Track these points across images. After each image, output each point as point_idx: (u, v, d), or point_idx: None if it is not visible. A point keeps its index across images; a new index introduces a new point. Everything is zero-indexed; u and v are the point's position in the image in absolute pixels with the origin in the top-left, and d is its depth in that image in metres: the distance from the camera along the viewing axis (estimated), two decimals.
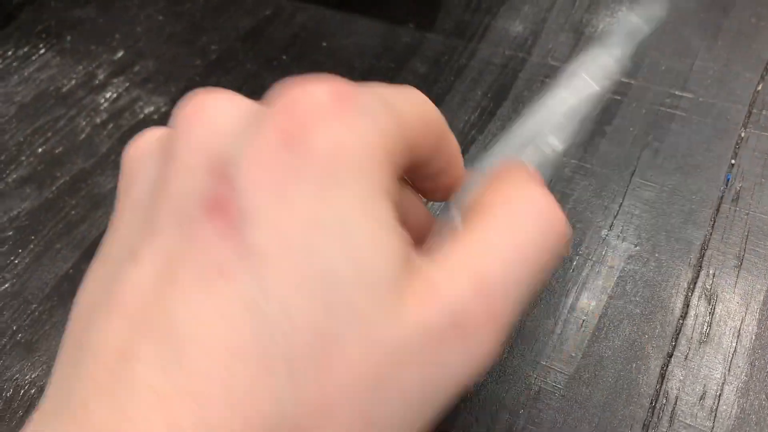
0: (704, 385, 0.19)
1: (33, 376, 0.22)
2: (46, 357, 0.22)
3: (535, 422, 0.19)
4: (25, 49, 0.34)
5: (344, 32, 0.31)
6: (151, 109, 0.30)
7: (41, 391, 0.22)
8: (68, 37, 0.34)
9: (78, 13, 0.35)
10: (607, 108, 0.26)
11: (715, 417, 0.18)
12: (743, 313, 0.20)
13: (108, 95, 0.31)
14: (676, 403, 0.19)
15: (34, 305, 0.24)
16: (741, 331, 0.20)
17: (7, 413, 0.21)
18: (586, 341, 0.20)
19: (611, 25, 0.29)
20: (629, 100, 0.26)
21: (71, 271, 0.25)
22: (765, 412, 0.18)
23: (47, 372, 0.22)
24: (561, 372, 0.20)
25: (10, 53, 0.33)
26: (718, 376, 0.19)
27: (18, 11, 0.36)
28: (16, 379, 0.22)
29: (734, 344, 0.20)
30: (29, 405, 0.21)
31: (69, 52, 0.33)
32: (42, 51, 0.33)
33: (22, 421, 0.21)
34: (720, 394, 0.19)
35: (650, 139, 0.25)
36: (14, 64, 0.33)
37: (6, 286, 0.24)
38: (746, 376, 0.19)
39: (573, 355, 0.20)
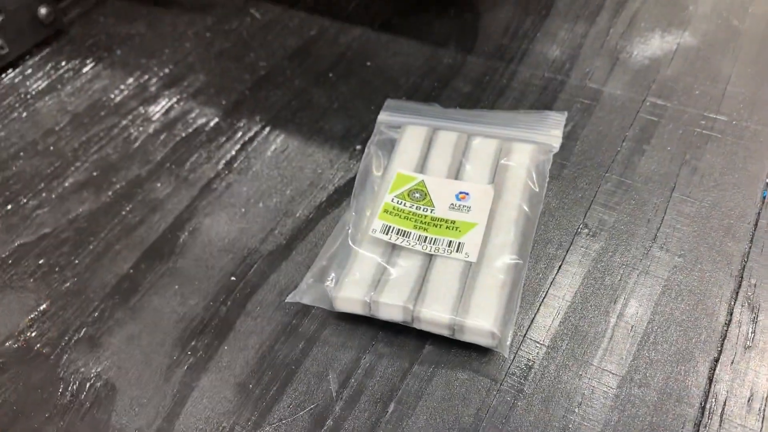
0: (751, 389, 0.20)
1: (98, 369, 0.23)
2: (110, 353, 0.23)
3: (590, 419, 0.20)
4: (77, 62, 0.35)
5: (388, 52, 0.33)
6: (203, 120, 0.31)
7: (106, 383, 0.22)
8: (118, 51, 0.35)
9: (127, 29, 0.37)
10: (645, 128, 0.27)
11: (763, 418, 0.19)
12: None
13: (160, 106, 0.32)
14: (725, 405, 0.20)
15: (96, 303, 0.25)
16: None
17: (74, 404, 0.22)
18: (636, 345, 0.21)
19: (649, 48, 0.31)
20: (665, 121, 0.28)
21: (131, 271, 0.25)
22: None
23: (111, 366, 0.23)
24: (613, 373, 0.21)
25: (62, 65, 0.35)
26: (765, 380, 0.20)
27: (69, 26, 0.37)
28: (82, 372, 0.23)
29: None
30: (95, 397, 0.22)
31: (119, 65, 0.34)
32: (93, 64, 0.35)
33: (89, 412, 0.22)
34: (767, 397, 0.20)
35: (688, 158, 0.26)
36: (66, 75, 0.34)
37: (68, 284, 0.25)
38: None
39: (624, 357, 0.21)
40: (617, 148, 0.27)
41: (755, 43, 0.31)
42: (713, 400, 0.20)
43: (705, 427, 0.19)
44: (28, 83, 0.34)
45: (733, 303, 0.22)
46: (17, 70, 0.35)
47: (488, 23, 0.33)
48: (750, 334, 0.21)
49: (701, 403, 0.20)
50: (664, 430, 0.19)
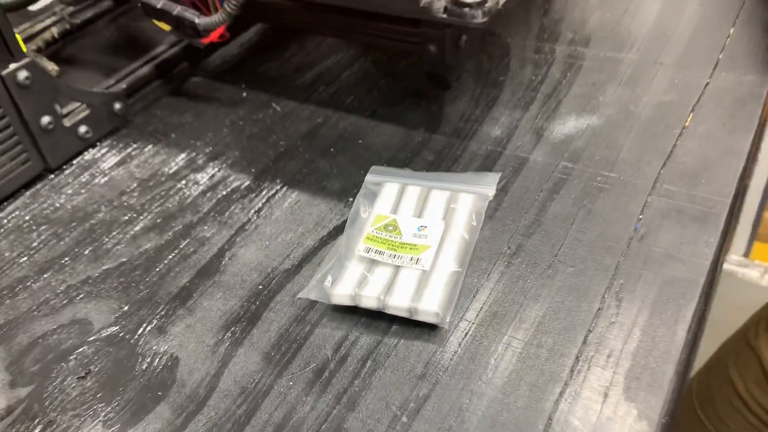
0: (610, 348, 0.29)
1: (165, 347, 0.32)
2: (173, 337, 0.33)
3: (502, 368, 0.29)
4: (141, 143, 0.46)
5: (375, 134, 0.44)
6: (238, 183, 0.42)
7: (171, 356, 0.32)
8: (172, 135, 0.47)
9: (179, 119, 0.48)
10: (557, 183, 0.38)
11: (615, 365, 0.29)
12: (638, 307, 0.31)
13: (206, 174, 0.43)
14: (592, 357, 0.29)
15: (162, 305, 0.35)
16: (637, 318, 0.30)
17: (149, 369, 0.32)
18: (536, 323, 0.31)
19: (565, 128, 0.42)
20: (572, 178, 0.38)
21: (187, 284, 0.36)
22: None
23: (174, 345, 0.32)
24: (519, 339, 0.30)
25: (130, 145, 0.46)
26: (620, 343, 0.30)
27: (135, 117, 0.49)
28: (154, 349, 0.32)
29: (634, 317, 0.30)
30: (164, 365, 0.32)
31: (174, 145, 0.46)
32: (153, 145, 0.46)
33: (160, 374, 0.31)
34: (619, 354, 0.29)
35: (585, 203, 0.37)
36: (134, 153, 0.46)
37: (141, 294, 0.35)
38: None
39: (527, 330, 0.31)
40: (535, 197, 0.37)
41: (645, 122, 0.42)
42: (585, 355, 0.29)
43: (577, 371, 0.29)
44: (105, 158, 0.45)
45: (605, 295, 0.32)
46: (96, 149, 0.46)
47: (449, 112, 0.45)
48: (614, 316, 0.31)
49: (576, 356, 0.29)
50: (550, 373, 0.29)
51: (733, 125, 0.40)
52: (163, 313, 0.34)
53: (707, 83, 0.44)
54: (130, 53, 0.53)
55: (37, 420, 0.30)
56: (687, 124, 0.41)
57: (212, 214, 0.40)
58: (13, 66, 0.40)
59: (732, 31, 0.48)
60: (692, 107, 0.42)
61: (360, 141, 0.44)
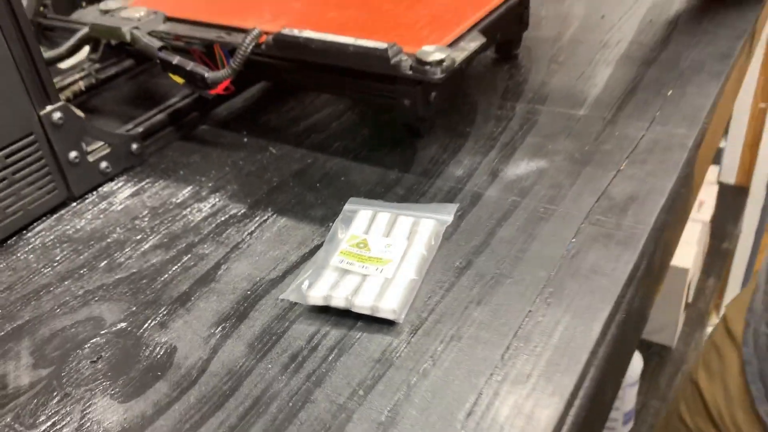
0: (537, 338, 0.35)
1: (165, 339, 0.38)
2: (173, 330, 0.39)
3: (444, 355, 0.35)
4: (153, 178, 0.53)
5: (356, 173, 0.51)
6: (235, 211, 0.49)
7: (171, 345, 0.38)
8: (181, 172, 0.54)
9: (187, 159, 0.56)
10: (506, 213, 0.45)
11: (547, 348, 0.34)
12: (563, 310, 0.37)
13: (208, 203, 0.50)
14: (526, 342, 0.35)
15: (164, 307, 0.41)
16: (561, 318, 0.36)
17: (152, 355, 0.37)
18: (468, 319, 0.37)
19: (518, 170, 0.49)
20: (519, 210, 0.45)
21: (187, 290, 0.42)
22: None
23: (174, 337, 0.38)
24: (454, 332, 0.36)
25: (144, 180, 0.53)
26: (546, 337, 0.35)
27: (149, 157, 0.56)
28: (156, 340, 0.38)
29: (559, 318, 0.36)
30: (164, 351, 0.37)
31: (182, 180, 0.53)
32: (163, 180, 0.53)
33: (160, 359, 0.37)
34: (545, 340, 0.35)
35: (529, 230, 0.43)
36: (146, 186, 0.53)
37: (148, 297, 0.42)
38: None
39: (460, 323, 0.36)
40: (486, 224, 0.44)
41: (586, 167, 0.48)
42: (515, 345, 0.35)
43: (507, 357, 0.34)
44: (121, 191, 0.52)
45: (536, 300, 0.38)
46: (114, 182, 0.53)
47: (420, 156, 0.52)
48: (542, 317, 0.37)
49: (507, 346, 0.35)
50: (485, 359, 0.34)
51: (661, 169, 0.47)
52: (165, 312, 0.40)
53: (643, 135, 0.51)
54: (146, 104, 0.60)
55: (55, 393, 0.36)
56: (621, 167, 0.48)
57: (211, 235, 0.46)
58: (49, 108, 0.48)
59: (670, 92, 0.56)
60: (628, 154, 0.49)
61: (342, 178, 0.51)
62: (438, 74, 0.43)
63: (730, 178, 1.86)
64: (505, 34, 0.63)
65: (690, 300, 1.43)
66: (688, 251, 1.29)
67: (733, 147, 1.83)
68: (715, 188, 1.51)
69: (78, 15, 0.62)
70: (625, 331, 0.39)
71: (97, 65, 0.66)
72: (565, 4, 0.75)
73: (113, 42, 0.64)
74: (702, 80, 0.57)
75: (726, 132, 1.86)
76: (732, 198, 1.68)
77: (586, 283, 0.39)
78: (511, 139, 0.53)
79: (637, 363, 1.15)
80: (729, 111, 0.73)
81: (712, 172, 1.57)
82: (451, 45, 0.46)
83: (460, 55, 0.45)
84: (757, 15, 0.68)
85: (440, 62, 0.43)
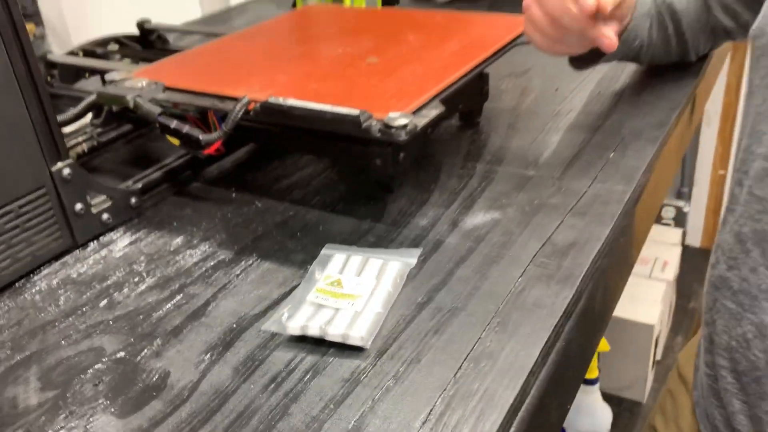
0: (484, 358, 0.41)
1: (159, 365, 0.43)
2: (165, 358, 0.44)
3: (398, 374, 0.40)
4: (149, 229, 0.59)
5: (333, 223, 0.57)
6: (223, 257, 0.54)
7: (164, 371, 0.43)
8: (174, 224, 0.60)
9: (180, 212, 0.61)
10: (463, 257, 0.51)
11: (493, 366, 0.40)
12: (509, 336, 0.42)
13: (199, 250, 0.55)
14: (491, 360, 0.40)
15: (159, 338, 0.46)
16: (506, 343, 0.42)
17: (148, 378, 0.42)
18: (421, 344, 0.42)
19: (475, 220, 0.55)
20: (475, 254, 0.51)
21: (179, 324, 0.47)
22: None
23: (166, 364, 0.43)
24: (408, 357, 0.41)
25: (141, 230, 0.59)
26: (494, 357, 0.41)
27: (146, 210, 0.62)
28: (151, 365, 0.43)
29: (505, 343, 0.42)
30: (158, 375, 0.42)
31: (175, 231, 0.59)
32: (158, 230, 0.59)
33: (155, 381, 0.42)
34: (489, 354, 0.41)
35: (483, 270, 0.49)
36: (142, 236, 0.58)
37: (144, 330, 0.47)
38: None
39: (414, 347, 0.42)
40: (446, 266, 0.50)
41: (535, 217, 0.55)
42: (466, 365, 0.40)
43: (460, 375, 0.40)
44: (121, 239, 0.58)
45: (486, 329, 0.43)
46: (114, 232, 0.59)
47: (390, 209, 0.58)
48: (490, 342, 0.42)
49: (460, 366, 0.40)
50: (440, 376, 0.40)
51: (599, 220, 0.54)
52: (159, 342, 0.45)
53: (585, 191, 0.58)
54: (142, 163, 0.67)
55: (60, 411, 0.41)
56: (565, 218, 0.54)
57: (202, 277, 0.52)
58: (60, 164, 0.54)
59: (611, 155, 0.63)
60: (571, 207, 0.56)
61: (320, 228, 0.57)
62: (403, 136, 0.50)
63: (696, 241, 1.94)
64: (467, 104, 0.71)
65: (659, 357, 1.48)
66: (654, 309, 1.35)
67: (696, 212, 1.93)
68: (679, 250, 1.58)
69: (82, 84, 0.69)
70: (567, 358, 0.45)
71: (99, 129, 0.73)
72: (523, 78, 0.83)
73: (115, 109, 0.71)
74: (640, 145, 0.65)
75: (689, 198, 1.96)
76: (698, 260, 1.76)
77: (529, 314, 0.44)
78: (471, 194, 0.59)
79: (606, 416, 1.19)
80: (671, 172, 0.81)
81: (675, 235, 1.66)
82: (415, 112, 0.53)
83: (422, 120, 0.52)
84: (691, 89, 0.77)
85: (404, 126, 0.50)
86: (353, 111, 0.51)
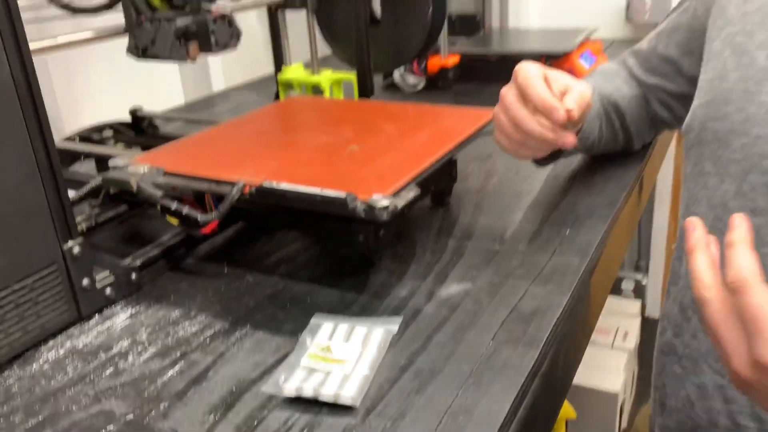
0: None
1: (167, 425, 0.47)
2: (172, 420, 0.48)
3: (381, 424, 0.45)
4: (148, 303, 0.64)
5: (320, 295, 0.63)
6: (219, 327, 0.59)
7: (172, 430, 0.47)
8: (172, 297, 0.65)
9: (177, 287, 0.66)
10: (440, 324, 0.56)
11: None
12: (482, 392, 0.48)
13: (196, 321, 0.60)
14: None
15: (165, 401, 0.50)
16: (480, 399, 0.47)
17: None
18: (406, 401, 0.47)
19: (449, 291, 0.61)
20: (450, 321, 0.57)
21: (183, 388, 0.51)
22: None
23: (174, 424, 0.47)
24: (389, 413, 0.47)
25: (140, 303, 0.63)
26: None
27: (144, 285, 0.67)
28: (159, 427, 0.47)
29: (479, 398, 0.47)
30: None
31: (173, 304, 0.63)
32: (158, 303, 0.63)
33: None
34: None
35: (456, 335, 0.55)
36: (142, 309, 0.63)
37: (152, 394, 0.51)
38: None
39: (399, 406, 0.47)
40: (424, 332, 0.56)
41: (502, 288, 0.61)
42: (446, 419, 0.46)
43: (443, 423, 0.45)
44: (122, 312, 0.62)
45: (462, 386, 0.49)
46: (117, 305, 0.63)
47: (372, 281, 0.64)
48: (465, 398, 0.48)
49: (440, 420, 0.46)
50: (425, 424, 0.45)
51: (558, 290, 0.60)
52: (166, 405, 0.50)
53: (546, 263, 0.65)
54: (138, 241, 0.72)
55: None
56: (528, 288, 0.61)
57: (201, 346, 0.57)
58: (71, 242, 0.59)
59: (568, 231, 0.71)
60: (534, 278, 0.62)
61: (309, 300, 0.62)
62: (385, 216, 0.56)
63: (654, 312, 2.03)
64: (438, 186, 0.78)
65: (625, 425, 1.53)
66: (617, 377, 1.41)
67: (654, 284, 2.02)
68: (639, 320, 1.66)
69: (76, 167, 0.74)
70: (534, 414, 0.51)
71: (97, 209, 0.78)
72: (488, 162, 0.92)
73: (112, 191, 0.77)
74: (593, 222, 0.73)
75: (647, 271, 2.06)
76: (657, 330, 1.83)
77: (499, 374, 0.50)
78: (444, 267, 0.66)
79: None
80: (623, 246, 0.89)
81: (635, 306, 1.74)
82: (394, 194, 0.60)
83: (401, 201, 0.58)
84: (638, 171, 0.86)
85: (386, 207, 0.56)
86: (341, 194, 0.58)
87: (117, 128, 0.96)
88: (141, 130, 0.97)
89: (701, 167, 0.62)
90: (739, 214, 0.44)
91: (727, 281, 0.42)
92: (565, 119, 0.60)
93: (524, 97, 0.62)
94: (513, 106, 0.64)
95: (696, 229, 0.45)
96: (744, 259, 0.42)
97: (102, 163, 0.86)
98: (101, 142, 0.92)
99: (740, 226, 0.43)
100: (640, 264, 2.06)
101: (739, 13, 0.61)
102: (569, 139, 0.63)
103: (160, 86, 1.35)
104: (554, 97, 0.61)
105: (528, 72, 0.63)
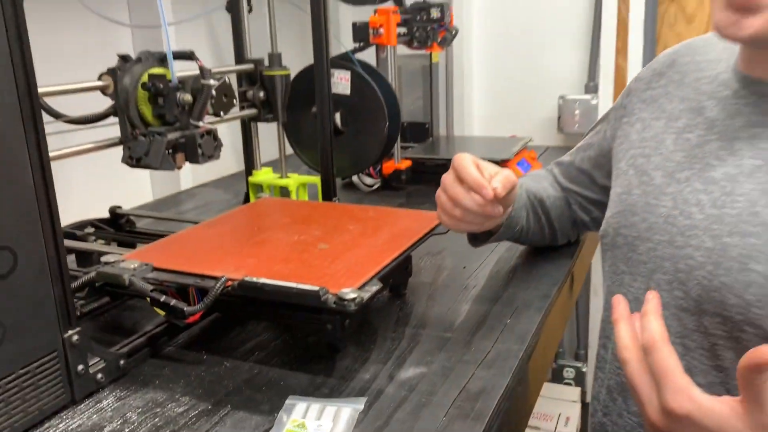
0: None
1: None
2: None
3: None
4: (135, 387, 0.70)
5: (292, 379, 0.70)
6: (202, 408, 0.66)
7: None
8: (156, 382, 0.71)
9: (160, 372, 0.73)
10: (399, 402, 0.65)
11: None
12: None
13: (180, 403, 0.67)
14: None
15: None
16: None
17: None
18: None
19: (407, 374, 0.70)
20: (408, 400, 0.65)
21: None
22: None
23: None
24: None
25: (128, 389, 0.70)
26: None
27: (130, 371, 0.73)
28: None
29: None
30: None
31: (158, 388, 0.70)
32: (144, 387, 0.70)
33: None
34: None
35: (412, 413, 0.63)
36: (129, 392, 0.69)
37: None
38: None
39: None
40: (386, 411, 0.64)
41: (452, 372, 0.70)
42: None
43: None
44: (111, 396, 0.68)
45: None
46: (106, 389, 0.69)
47: (339, 366, 0.73)
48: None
49: None
50: None
51: (500, 373, 0.70)
52: None
53: (490, 350, 0.75)
54: (121, 331, 0.79)
55: None
56: (475, 372, 0.70)
57: (187, 425, 0.63)
58: (71, 331, 0.66)
59: (508, 321, 0.81)
60: (479, 363, 0.72)
61: (282, 383, 0.70)
62: (353, 307, 0.65)
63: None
64: (396, 280, 0.88)
65: None
66: None
67: (592, 372, 2.13)
68: (579, 406, 1.75)
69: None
70: None
71: (82, 301, 0.84)
72: (438, 258, 1.03)
73: (98, 284, 0.84)
74: (530, 313, 0.84)
75: (586, 359, 2.17)
76: None
77: None
78: (402, 353, 0.75)
79: None
80: (558, 334, 0.99)
81: (575, 393, 1.84)
82: (360, 288, 0.70)
83: (366, 294, 0.68)
84: (568, 268, 0.98)
85: (354, 299, 0.66)
86: (314, 287, 0.67)
87: (97, 225, 1.03)
88: (119, 227, 1.05)
89: (616, 267, 0.75)
90: (652, 291, 0.57)
91: (642, 343, 0.53)
92: (492, 195, 0.74)
93: (460, 179, 0.77)
94: (451, 186, 0.78)
95: (620, 304, 0.58)
96: (654, 325, 0.54)
97: (83, 257, 0.94)
98: (83, 237, 0.99)
99: (652, 300, 0.57)
100: (579, 353, 2.17)
101: (639, 139, 0.75)
102: (497, 209, 0.77)
103: (131, 183, 1.43)
104: (483, 178, 0.74)
105: (463, 159, 0.78)
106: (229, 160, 1.56)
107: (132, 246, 0.99)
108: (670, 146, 0.71)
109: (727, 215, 0.63)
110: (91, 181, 1.31)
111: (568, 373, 2.09)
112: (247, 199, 1.15)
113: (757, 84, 0.65)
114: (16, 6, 0.58)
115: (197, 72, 0.84)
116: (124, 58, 0.81)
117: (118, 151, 0.85)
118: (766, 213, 0.60)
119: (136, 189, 1.45)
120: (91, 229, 1.01)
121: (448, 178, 0.79)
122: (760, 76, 0.64)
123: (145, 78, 0.81)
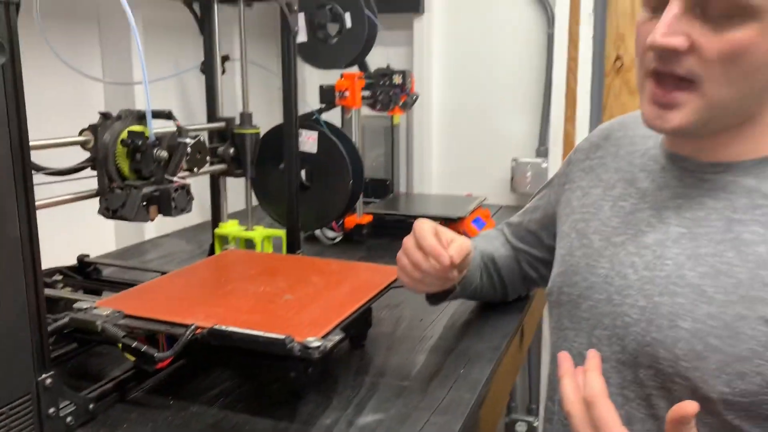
0: None
1: None
2: None
3: None
4: (104, 430, 0.73)
5: (255, 423, 0.74)
6: None
7: None
8: (125, 425, 0.74)
9: (128, 416, 0.76)
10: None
11: None
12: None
13: None
14: None
15: None
16: None
17: None
18: None
19: (366, 420, 0.74)
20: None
21: None
22: None
23: None
24: None
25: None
26: None
27: (97, 415, 0.75)
28: None
29: None
30: None
31: (126, 431, 0.73)
32: (113, 430, 0.72)
33: None
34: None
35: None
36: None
37: None
38: None
39: None
40: None
41: (410, 417, 0.75)
42: None
43: None
44: None
45: None
46: None
47: (302, 412, 0.76)
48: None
49: None
50: None
51: (454, 418, 0.75)
52: None
53: (444, 397, 0.80)
54: (87, 376, 0.81)
55: None
56: (429, 418, 0.75)
57: None
58: (45, 375, 0.68)
59: (462, 371, 0.87)
60: (434, 409, 0.77)
61: (247, 427, 0.73)
62: (317, 355, 0.70)
63: None
64: (357, 330, 0.93)
65: None
66: None
67: (542, 426, 2.18)
68: None
69: None
70: None
71: (51, 347, 0.86)
72: (397, 310, 1.08)
73: (66, 330, 0.87)
74: (482, 364, 0.89)
75: (537, 413, 2.22)
76: None
77: None
78: (361, 400, 0.79)
79: None
80: (508, 384, 1.05)
81: None
82: (324, 337, 0.74)
83: (329, 343, 0.73)
84: (518, 321, 1.04)
85: (318, 347, 0.70)
86: (280, 336, 0.72)
87: (65, 272, 1.06)
88: (87, 275, 1.08)
89: (561, 323, 0.81)
90: (593, 350, 0.63)
91: (584, 398, 0.59)
92: (449, 263, 0.81)
93: (419, 245, 0.82)
94: (411, 251, 0.85)
95: (565, 361, 0.64)
96: (595, 381, 0.60)
97: (51, 303, 0.96)
98: (52, 285, 1.01)
99: (593, 359, 0.63)
100: (532, 407, 2.22)
101: (579, 205, 0.83)
102: (453, 274, 0.85)
103: (94, 230, 1.45)
104: (441, 246, 0.81)
105: (422, 227, 0.85)
106: (192, 212, 1.60)
107: (98, 293, 1.02)
108: (607, 212, 0.79)
109: (658, 277, 0.70)
110: (56, 228, 1.33)
111: (521, 427, 2.13)
112: (212, 251, 1.19)
113: (682, 160, 0.73)
114: (14, 60, 0.63)
115: (173, 129, 0.89)
116: (105, 116, 0.86)
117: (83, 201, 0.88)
118: (691, 275, 0.68)
119: (99, 237, 1.47)
120: (59, 277, 1.04)
121: (409, 242, 0.86)
122: (684, 154, 0.73)
123: (124, 135, 0.86)
